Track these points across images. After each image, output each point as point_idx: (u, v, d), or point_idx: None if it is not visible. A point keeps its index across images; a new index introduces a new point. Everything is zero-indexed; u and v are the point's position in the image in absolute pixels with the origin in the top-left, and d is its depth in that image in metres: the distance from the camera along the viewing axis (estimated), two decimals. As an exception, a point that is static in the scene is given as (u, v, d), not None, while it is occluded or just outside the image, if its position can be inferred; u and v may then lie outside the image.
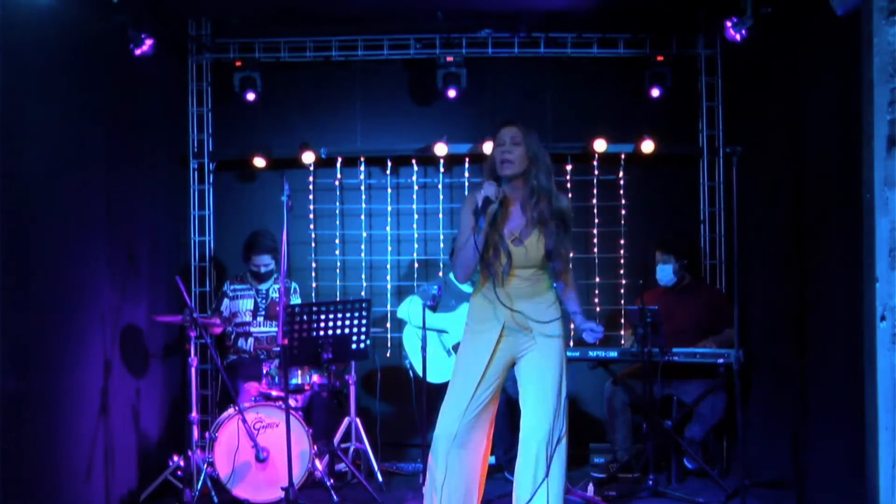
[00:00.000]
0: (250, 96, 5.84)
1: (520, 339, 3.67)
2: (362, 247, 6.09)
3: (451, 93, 5.78)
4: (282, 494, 4.32)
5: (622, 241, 6.00)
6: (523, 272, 3.65)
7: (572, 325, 3.67)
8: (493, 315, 3.66)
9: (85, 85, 4.44)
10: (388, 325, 6.00)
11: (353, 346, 4.64)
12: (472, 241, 3.57)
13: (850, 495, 3.71)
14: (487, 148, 5.11)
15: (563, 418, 3.61)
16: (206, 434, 4.78)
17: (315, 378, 4.88)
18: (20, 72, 3.74)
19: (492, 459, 3.84)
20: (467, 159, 6.03)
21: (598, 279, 6.00)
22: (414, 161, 6.08)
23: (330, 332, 4.56)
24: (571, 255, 3.87)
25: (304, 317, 4.52)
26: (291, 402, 4.65)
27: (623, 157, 5.99)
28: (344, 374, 5.24)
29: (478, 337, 3.68)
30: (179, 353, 5.57)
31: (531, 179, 3.65)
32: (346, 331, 4.60)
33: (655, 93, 5.79)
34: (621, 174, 6.01)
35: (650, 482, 4.78)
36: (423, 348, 4.93)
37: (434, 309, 5.42)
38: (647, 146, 5.87)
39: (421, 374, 5.00)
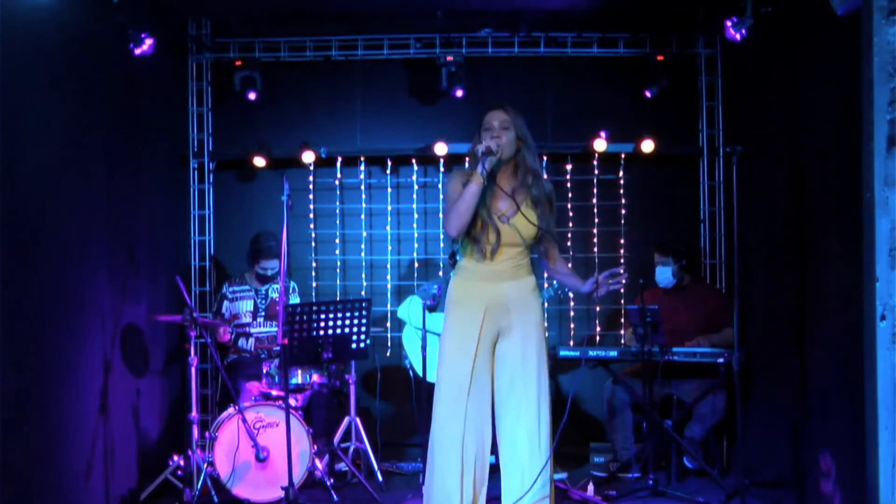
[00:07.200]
0: (251, 96, 5.83)
1: (501, 319, 3.68)
2: (362, 246, 6.09)
3: (459, 93, 5.76)
4: (282, 494, 4.32)
5: (622, 241, 6.00)
6: (510, 251, 3.68)
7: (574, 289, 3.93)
8: (476, 294, 3.68)
9: (85, 85, 4.43)
10: (388, 324, 5.99)
11: (353, 345, 4.65)
12: (472, 188, 3.56)
13: (850, 495, 3.71)
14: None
15: (547, 405, 3.67)
16: (206, 434, 4.78)
17: (315, 377, 4.88)
18: (20, 72, 3.73)
19: (492, 459, 3.83)
20: (467, 158, 6.01)
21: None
22: (414, 161, 6.08)
23: (330, 331, 4.56)
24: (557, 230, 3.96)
25: (304, 316, 4.52)
26: (291, 402, 4.65)
27: (623, 156, 5.99)
28: (344, 373, 5.24)
29: (461, 321, 3.68)
30: (179, 352, 5.57)
31: (521, 162, 3.70)
32: (346, 330, 4.60)
33: (656, 92, 5.78)
34: (621, 174, 6.01)
35: (650, 482, 4.77)
36: (423, 348, 4.93)
37: (434, 309, 5.41)
38: (647, 146, 5.87)
39: (421, 373, 5.01)
